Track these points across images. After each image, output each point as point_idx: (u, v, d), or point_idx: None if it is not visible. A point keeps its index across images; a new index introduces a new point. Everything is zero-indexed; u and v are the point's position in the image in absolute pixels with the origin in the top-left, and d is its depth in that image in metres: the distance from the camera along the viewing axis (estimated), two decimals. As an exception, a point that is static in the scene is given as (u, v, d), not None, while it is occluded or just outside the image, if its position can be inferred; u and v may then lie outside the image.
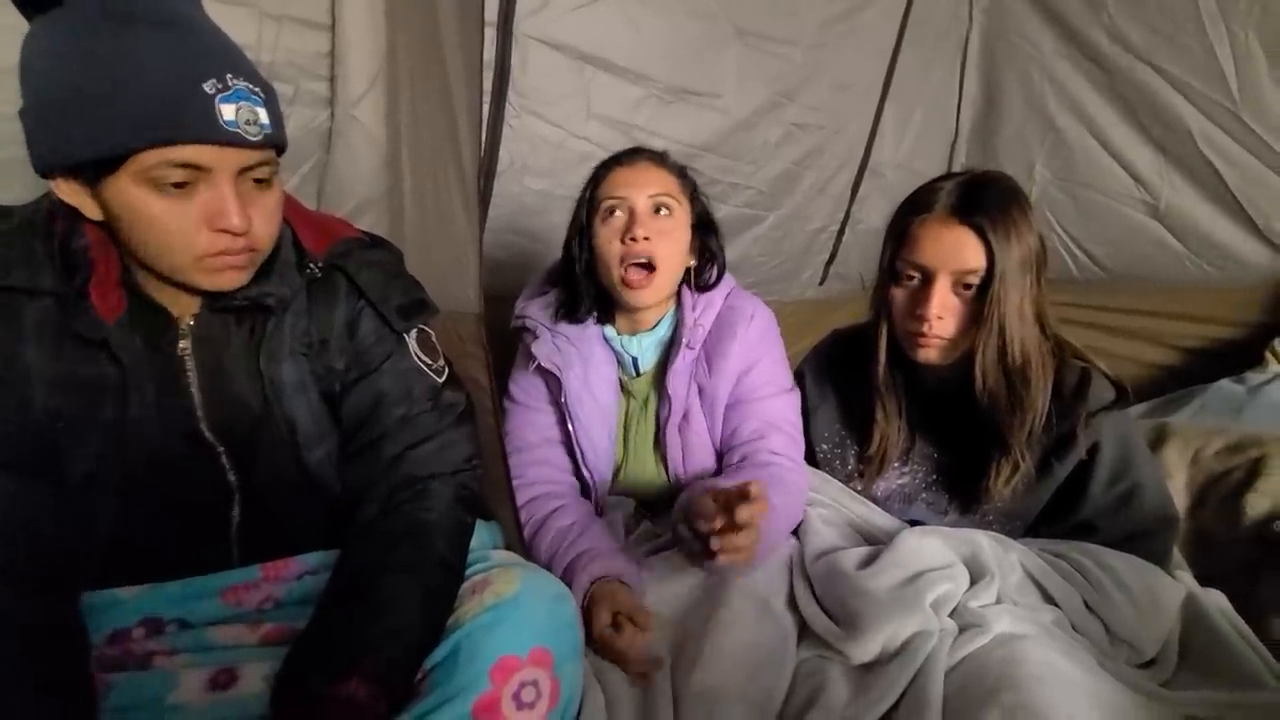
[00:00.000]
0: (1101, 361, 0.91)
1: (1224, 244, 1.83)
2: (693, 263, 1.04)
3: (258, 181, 0.68)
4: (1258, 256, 1.79)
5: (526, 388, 1.07)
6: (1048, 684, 0.69)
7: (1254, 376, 1.52)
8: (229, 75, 0.63)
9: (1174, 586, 0.86)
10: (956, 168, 2.11)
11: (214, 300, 0.73)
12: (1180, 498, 1.05)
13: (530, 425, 1.06)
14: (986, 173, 0.94)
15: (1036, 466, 0.90)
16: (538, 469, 1.04)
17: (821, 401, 1.10)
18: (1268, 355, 1.66)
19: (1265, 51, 1.66)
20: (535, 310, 1.07)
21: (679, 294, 1.05)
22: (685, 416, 1.04)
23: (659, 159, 1.03)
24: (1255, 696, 0.75)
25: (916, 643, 0.75)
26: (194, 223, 0.65)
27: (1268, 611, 0.86)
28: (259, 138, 0.65)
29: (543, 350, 1.04)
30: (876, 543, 0.90)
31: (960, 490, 0.96)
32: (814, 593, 0.86)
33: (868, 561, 0.86)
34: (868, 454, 1.01)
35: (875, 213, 2.06)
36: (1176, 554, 0.95)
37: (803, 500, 0.99)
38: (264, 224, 0.69)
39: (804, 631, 0.83)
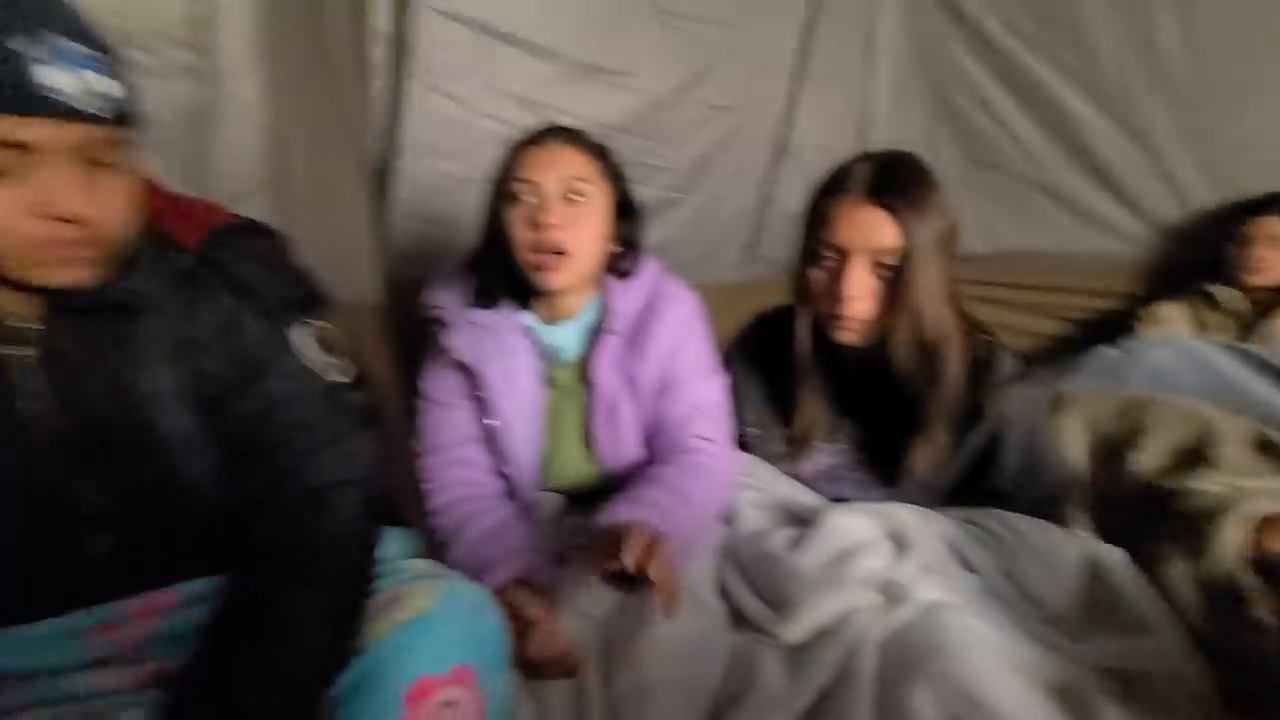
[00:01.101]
0: (1000, 334, 0.95)
1: (1104, 220, 1.97)
2: (614, 248, 1.00)
3: (103, 163, 0.59)
4: (1132, 231, 1.94)
5: (441, 383, 1.00)
6: (972, 649, 0.72)
7: (1128, 343, 1.64)
8: (51, 33, 0.54)
9: (1078, 546, 0.91)
10: (869, 149, 2.17)
11: (57, 300, 0.63)
12: (1079, 461, 1.11)
13: (447, 423, 0.99)
14: (898, 153, 0.95)
15: (952, 440, 0.92)
16: (456, 470, 0.98)
17: (748, 384, 1.09)
18: (1137, 323, 1.81)
19: (1135, 40, 1.79)
20: (447, 299, 1.00)
21: (604, 279, 1.02)
22: (613, 405, 1.00)
23: (573, 138, 0.97)
24: (1149, 641, 0.80)
25: (847, 619, 0.76)
26: (19, 210, 0.55)
27: (1158, 563, 0.92)
28: (97, 110, 0.56)
29: (457, 342, 0.98)
30: (805, 523, 0.91)
31: (884, 467, 0.98)
32: (745, 577, 0.85)
33: (797, 542, 0.86)
34: (793, 435, 1.02)
35: (793, 194, 2.08)
36: (1079, 514, 1.01)
37: (727, 487, 0.98)
38: (110, 212, 0.60)
39: (736, 617, 0.83)
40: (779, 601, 0.80)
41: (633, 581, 0.80)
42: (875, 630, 0.75)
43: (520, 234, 0.93)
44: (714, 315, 1.08)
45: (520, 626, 0.79)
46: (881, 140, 2.15)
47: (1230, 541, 0.88)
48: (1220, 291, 1.74)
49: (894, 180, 0.89)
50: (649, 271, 1.05)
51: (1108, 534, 0.98)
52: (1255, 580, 0.85)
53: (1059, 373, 1.55)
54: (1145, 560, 0.92)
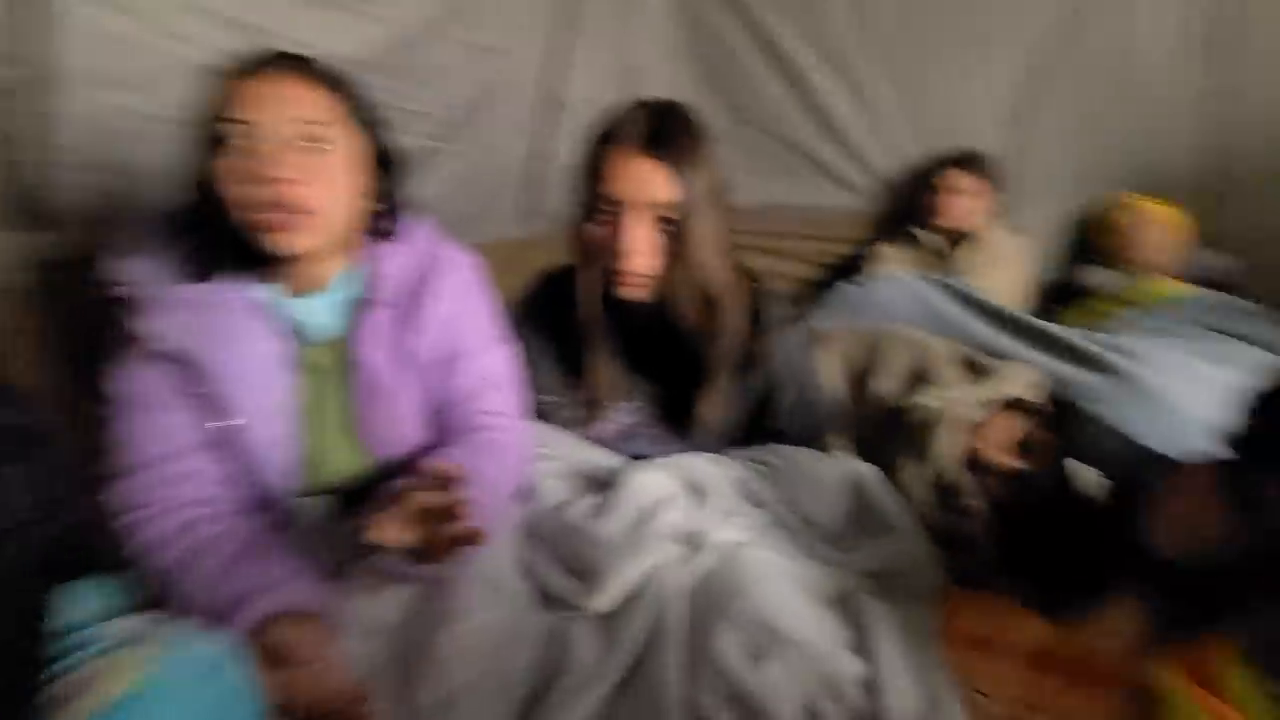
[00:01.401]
0: (766, 280, 1.02)
1: (839, 174, 2.24)
2: (374, 206, 0.86)
3: None
4: (861, 183, 2.23)
5: (139, 381, 0.79)
6: (767, 580, 0.77)
7: (862, 282, 1.89)
8: None
9: (840, 467, 1.02)
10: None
11: None
12: (837, 391, 1.26)
13: (154, 432, 0.79)
14: (670, 103, 0.94)
15: (735, 386, 0.97)
16: (174, 488, 0.78)
17: (537, 349, 1.04)
18: (867, 264, 2.11)
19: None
20: (141, 272, 0.79)
21: (368, 243, 0.87)
22: (383, 387, 0.87)
23: (304, 69, 0.79)
24: (898, 542, 0.93)
25: (653, 578, 0.77)
26: None
27: (897, 471, 1.08)
28: None
29: (162, 326, 0.77)
30: (607, 487, 0.90)
31: (677, 420, 1.00)
32: (550, 553, 0.82)
33: (599, 509, 0.85)
34: (588, 398, 1.00)
35: (568, 146, 2.03)
36: (840, 439, 1.14)
37: (523, 462, 0.93)
38: None
39: (545, 598, 0.80)
40: (585, 572, 0.78)
41: (424, 554, 0.69)
42: (681, 583, 0.77)
43: (234, 190, 0.75)
44: (495, 276, 1.00)
45: (287, 670, 0.66)
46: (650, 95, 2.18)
47: (947, 445, 1.06)
48: (921, 234, 2.07)
49: (668, 132, 0.88)
50: (422, 233, 0.92)
51: (862, 452, 1.12)
52: (967, 476, 1.03)
53: (812, 311, 1.74)
54: (891, 472, 1.08)
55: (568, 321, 0.99)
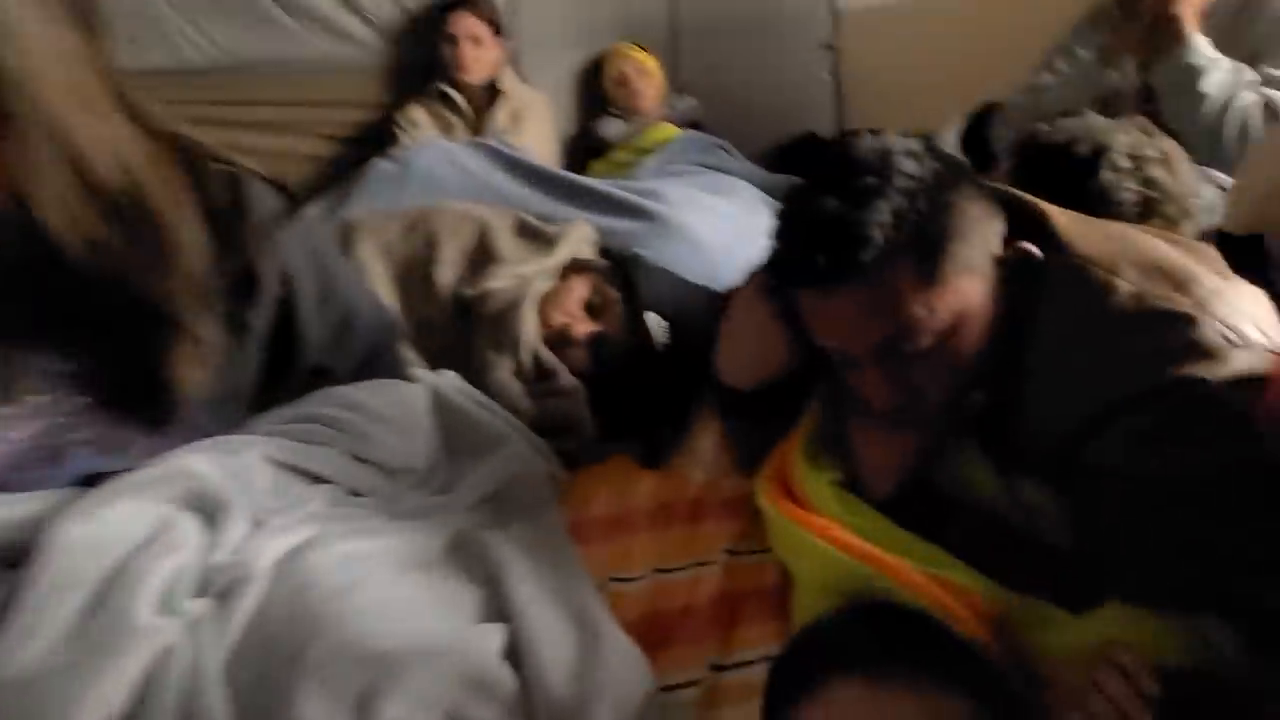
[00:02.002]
0: (250, 161, 0.68)
1: (332, 24, 1.82)
2: None
3: None
4: (360, 34, 1.86)
5: None
6: (353, 589, 0.54)
7: (397, 153, 1.61)
8: None
9: (420, 389, 0.82)
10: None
11: None
12: (386, 291, 1.02)
13: None
14: None
15: (226, 326, 0.64)
16: None
17: None
18: (397, 131, 1.82)
19: None
20: None
21: None
22: None
23: None
24: (505, 449, 0.80)
25: (152, 686, 0.46)
26: None
27: (485, 372, 0.94)
28: None
29: None
30: (14, 563, 0.51)
31: (139, 402, 0.63)
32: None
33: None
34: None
35: None
36: (408, 353, 0.92)
37: None
38: None
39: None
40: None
41: None
42: (208, 663, 0.48)
43: None
44: None
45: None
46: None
47: (527, 327, 0.95)
48: (450, 91, 1.85)
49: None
50: None
51: (436, 361, 0.94)
52: (551, 355, 0.94)
53: (335, 196, 1.40)
54: (476, 373, 0.93)
55: None
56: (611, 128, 2.05)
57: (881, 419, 0.64)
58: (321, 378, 0.74)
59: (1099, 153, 0.74)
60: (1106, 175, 0.73)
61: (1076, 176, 0.73)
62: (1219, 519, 0.38)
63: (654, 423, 0.92)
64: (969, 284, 0.58)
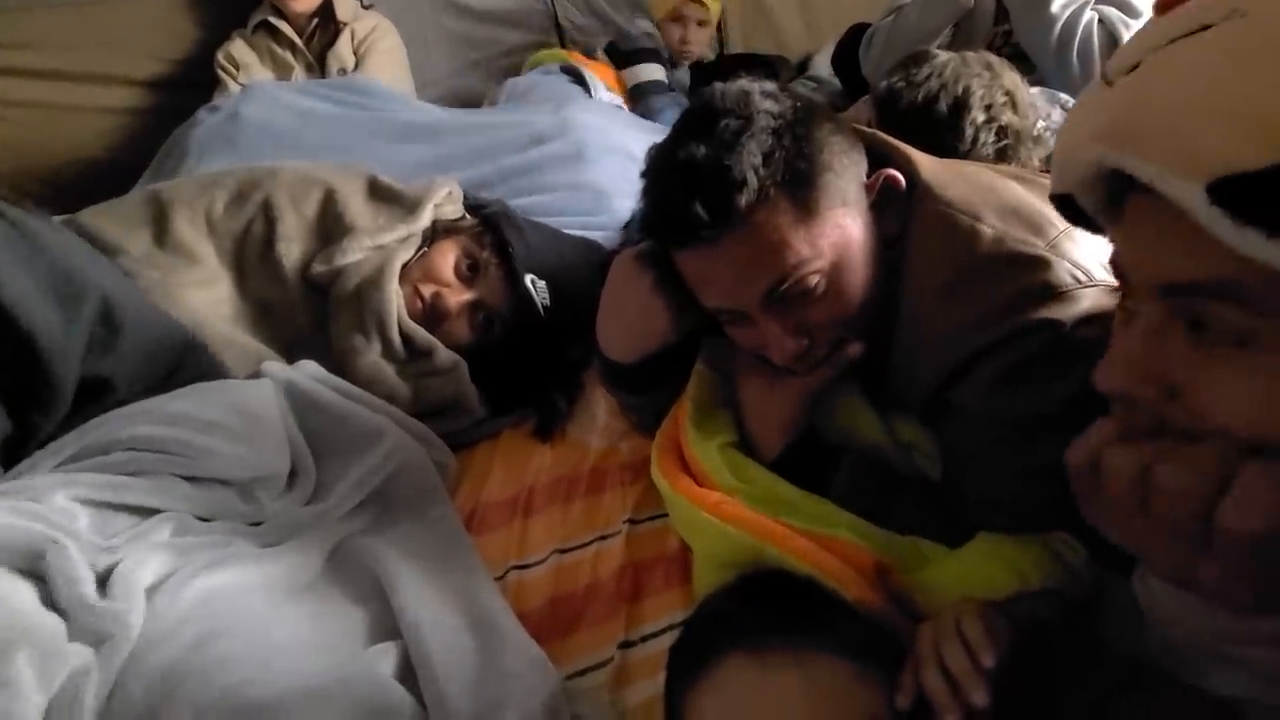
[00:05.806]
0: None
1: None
2: None
3: None
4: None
5: None
6: (218, 639, 0.49)
7: (223, 101, 1.40)
8: None
9: (264, 385, 0.73)
10: None
11: None
12: (217, 276, 0.88)
13: None
14: None
15: None
16: None
17: None
18: (220, 74, 1.58)
19: None
20: None
21: None
22: None
23: None
24: (379, 443, 0.74)
25: None
26: None
27: (350, 358, 0.85)
28: None
29: None
30: None
31: None
32: None
33: None
34: None
35: None
36: (258, 347, 0.82)
37: None
38: None
39: None
40: None
41: None
42: None
43: None
44: None
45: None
46: None
47: (393, 303, 0.86)
48: (276, 22, 1.61)
49: None
50: None
51: (288, 350, 0.84)
52: (423, 331, 0.87)
53: (155, 172, 1.20)
54: (340, 361, 0.84)
55: None
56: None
57: (775, 373, 0.63)
58: (102, 395, 0.62)
59: (956, 111, 0.76)
60: (967, 132, 0.75)
61: (937, 133, 0.75)
62: (1061, 444, 0.40)
63: (545, 392, 0.89)
64: (845, 216, 0.58)
